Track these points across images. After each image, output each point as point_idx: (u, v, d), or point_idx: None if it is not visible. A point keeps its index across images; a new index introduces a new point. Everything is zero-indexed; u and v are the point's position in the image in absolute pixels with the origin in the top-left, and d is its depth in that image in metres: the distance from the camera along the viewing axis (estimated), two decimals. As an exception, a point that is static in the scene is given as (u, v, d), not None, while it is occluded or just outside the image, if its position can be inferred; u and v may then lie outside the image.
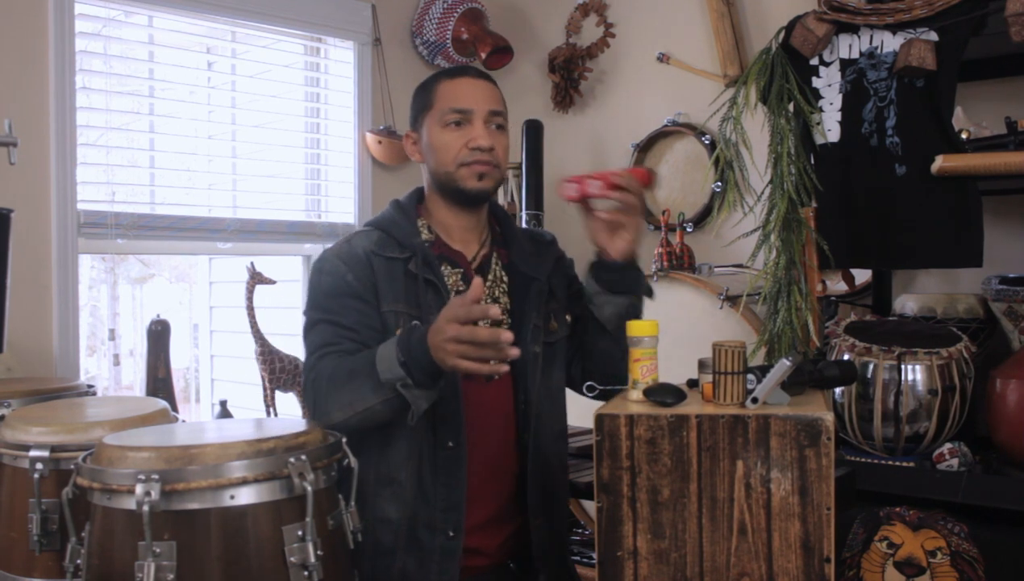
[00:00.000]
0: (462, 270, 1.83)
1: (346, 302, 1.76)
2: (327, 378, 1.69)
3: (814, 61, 2.34)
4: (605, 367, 1.86)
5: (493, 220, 1.93)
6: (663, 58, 3.25)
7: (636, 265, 1.82)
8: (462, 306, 1.52)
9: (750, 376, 1.40)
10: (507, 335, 1.49)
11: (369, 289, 1.77)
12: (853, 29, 2.28)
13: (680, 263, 2.92)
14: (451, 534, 1.75)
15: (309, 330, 1.80)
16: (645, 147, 3.26)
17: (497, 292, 1.87)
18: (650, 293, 1.86)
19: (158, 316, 2.74)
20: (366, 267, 1.78)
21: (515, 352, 1.52)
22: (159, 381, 2.68)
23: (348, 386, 1.65)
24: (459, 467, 1.76)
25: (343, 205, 3.31)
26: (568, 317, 1.94)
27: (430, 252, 1.80)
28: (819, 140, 2.33)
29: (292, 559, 1.35)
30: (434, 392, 1.64)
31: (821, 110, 2.33)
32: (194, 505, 1.32)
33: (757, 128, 2.41)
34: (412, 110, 1.90)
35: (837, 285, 2.62)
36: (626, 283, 1.83)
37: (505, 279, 1.88)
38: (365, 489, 1.76)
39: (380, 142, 3.26)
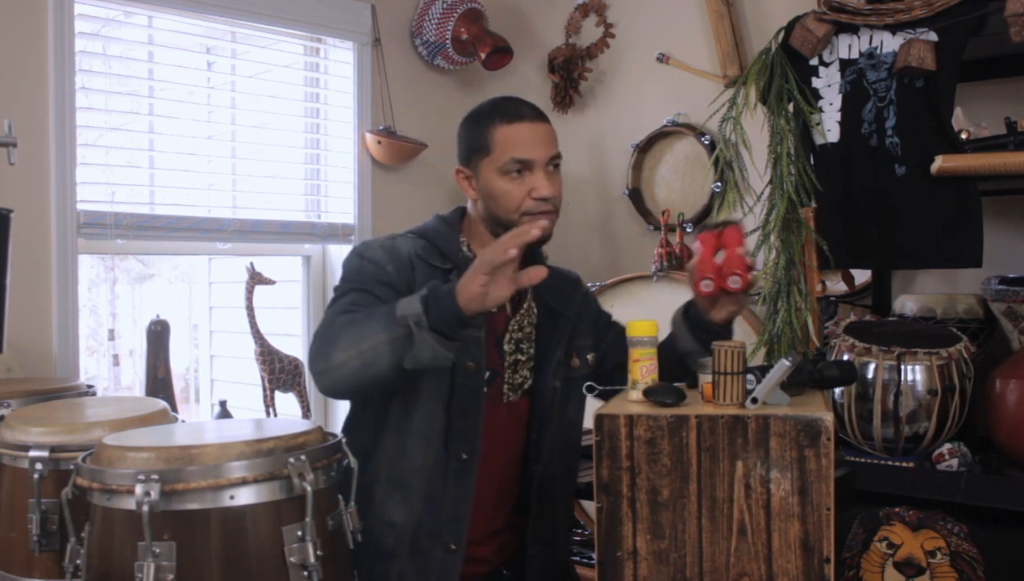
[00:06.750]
0: None
1: (382, 288, 1.74)
2: (341, 321, 1.63)
3: (814, 61, 2.34)
4: None
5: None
6: (663, 58, 3.24)
7: (731, 328, 1.80)
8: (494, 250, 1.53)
9: (750, 376, 1.40)
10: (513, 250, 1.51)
11: (406, 287, 1.74)
12: (853, 29, 2.28)
13: (680, 263, 2.93)
14: (452, 547, 1.75)
15: (338, 299, 1.75)
16: (645, 147, 3.26)
17: (526, 323, 1.87)
18: None
19: (158, 316, 2.75)
20: (408, 267, 1.77)
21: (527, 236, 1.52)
22: (159, 381, 2.68)
23: (361, 327, 1.59)
24: (468, 480, 1.76)
25: (343, 205, 3.31)
26: (590, 357, 1.93)
27: None
28: (819, 140, 2.33)
29: (292, 559, 1.35)
30: (444, 352, 1.56)
31: (821, 110, 2.33)
32: (194, 505, 1.32)
33: (757, 128, 2.41)
34: (462, 145, 1.84)
35: (837, 285, 2.62)
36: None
37: (535, 311, 1.88)
38: (375, 490, 1.76)
39: (380, 142, 3.26)
